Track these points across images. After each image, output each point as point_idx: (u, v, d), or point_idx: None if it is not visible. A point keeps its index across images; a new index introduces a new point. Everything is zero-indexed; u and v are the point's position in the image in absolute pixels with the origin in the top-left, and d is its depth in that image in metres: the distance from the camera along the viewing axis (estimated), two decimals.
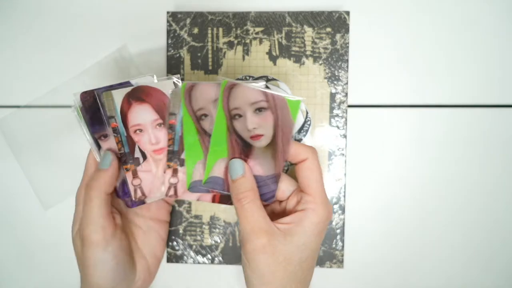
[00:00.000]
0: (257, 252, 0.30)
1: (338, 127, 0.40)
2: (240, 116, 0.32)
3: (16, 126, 0.43)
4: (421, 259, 0.42)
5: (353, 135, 0.42)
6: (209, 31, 0.41)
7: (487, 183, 0.41)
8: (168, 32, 0.41)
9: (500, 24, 0.41)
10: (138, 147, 0.33)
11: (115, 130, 0.33)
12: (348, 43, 0.40)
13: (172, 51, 0.41)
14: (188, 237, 0.41)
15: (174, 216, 0.41)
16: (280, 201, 0.34)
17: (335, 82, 0.40)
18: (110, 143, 0.33)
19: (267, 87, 0.38)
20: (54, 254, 0.44)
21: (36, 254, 0.44)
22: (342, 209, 0.40)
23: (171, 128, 0.33)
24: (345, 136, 0.40)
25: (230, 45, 0.41)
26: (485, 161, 0.41)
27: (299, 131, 0.40)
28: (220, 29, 0.41)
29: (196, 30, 0.41)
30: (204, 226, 0.41)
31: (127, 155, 0.33)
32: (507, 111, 0.41)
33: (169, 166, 0.34)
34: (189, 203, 0.41)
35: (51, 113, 0.43)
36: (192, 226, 0.41)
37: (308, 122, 0.40)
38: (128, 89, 0.32)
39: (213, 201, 0.34)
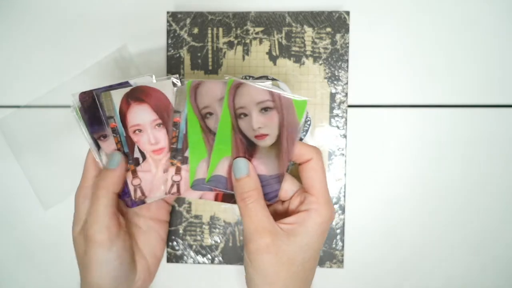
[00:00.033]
0: (261, 252, 0.30)
1: (338, 127, 0.40)
2: (245, 115, 0.32)
3: (16, 126, 0.43)
4: (421, 259, 0.42)
5: (353, 135, 0.42)
6: (209, 31, 0.41)
7: (488, 183, 0.41)
8: (168, 32, 0.41)
9: (500, 24, 0.41)
10: (138, 147, 0.33)
11: (114, 130, 0.33)
12: (348, 43, 0.40)
13: (172, 51, 0.41)
14: (188, 237, 0.41)
15: (174, 216, 0.41)
16: (283, 201, 0.34)
17: (335, 82, 0.40)
18: (110, 143, 0.33)
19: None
20: (54, 254, 0.44)
21: (36, 254, 0.44)
22: (342, 209, 0.40)
23: (175, 126, 0.33)
24: (345, 136, 0.40)
25: (230, 45, 0.41)
26: (486, 161, 0.41)
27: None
28: (220, 29, 0.41)
29: (196, 30, 0.41)
30: (204, 226, 0.41)
31: (126, 155, 0.33)
32: (507, 111, 0.41)
33: (172, 164, 0.34)
34: (189, 203, 0.41)
35: (51, 113, 0.43)
36: (192, 226, 0.41)
37: (308, 122, 0.40)
38: (127, 89, 0.32)
39: (216, 199, 0.34)
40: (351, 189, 0.42)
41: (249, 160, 0.32)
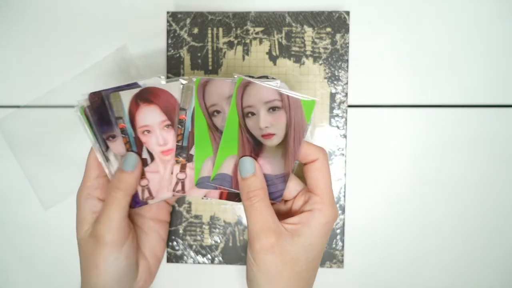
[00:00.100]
0: (265, 251, 0.30)
1: (338, 127, 0.40)
2: (253, 114, 0.32)
3: (16, 126, 0.43)
4: (421, 259, 0.42)
5: (353, 135, 0.42)
6: (209, 31, 0.41)
7: (488, 184, 0.41)
8: (168, 32, 0.41)
9: (500, 23, 0.41)
10: (146, 148, 0.33)
11: (123, 131, 0.33)
12: (348, 43, 0.40)
13: (172, 51, 0.41)
14: (188, 237, 0.41)
15: (174, 216, 0.41)
16: (286, 201, 0.34)
17: (335, 82, 0.40)
18: (118, 143, 0.33)
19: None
20: (54, 254, 0.44)
21: (36, 254, 0.44)
22: (342, 209, 0.41)
23: (180, 123, 0.33)
24: (345, 136, 0.40)
25: (230, 45, 0.41)
26: (486, 161, 0.41)
27: None
28: (220, 29, 0.41)
29: (196, 30, 0.41)
30: (204, 226, 0.41)
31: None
32: (508, 111, 0.41)
33: (177, 162, 0.34)
34: (189, 203, 0.41)
35: (51, 113, 0.43)
36: (192, 226, 0.41)
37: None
38: (136, 90, 0.32)
39: (221, 197, 0.34)
40: (351, 189, 0.42)
41: (255, 159, 0.32)
